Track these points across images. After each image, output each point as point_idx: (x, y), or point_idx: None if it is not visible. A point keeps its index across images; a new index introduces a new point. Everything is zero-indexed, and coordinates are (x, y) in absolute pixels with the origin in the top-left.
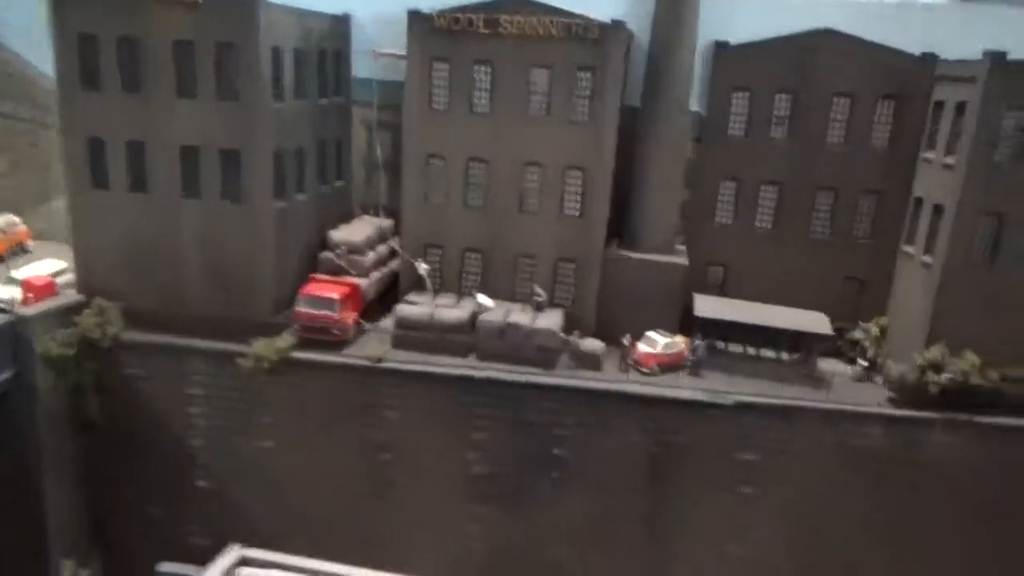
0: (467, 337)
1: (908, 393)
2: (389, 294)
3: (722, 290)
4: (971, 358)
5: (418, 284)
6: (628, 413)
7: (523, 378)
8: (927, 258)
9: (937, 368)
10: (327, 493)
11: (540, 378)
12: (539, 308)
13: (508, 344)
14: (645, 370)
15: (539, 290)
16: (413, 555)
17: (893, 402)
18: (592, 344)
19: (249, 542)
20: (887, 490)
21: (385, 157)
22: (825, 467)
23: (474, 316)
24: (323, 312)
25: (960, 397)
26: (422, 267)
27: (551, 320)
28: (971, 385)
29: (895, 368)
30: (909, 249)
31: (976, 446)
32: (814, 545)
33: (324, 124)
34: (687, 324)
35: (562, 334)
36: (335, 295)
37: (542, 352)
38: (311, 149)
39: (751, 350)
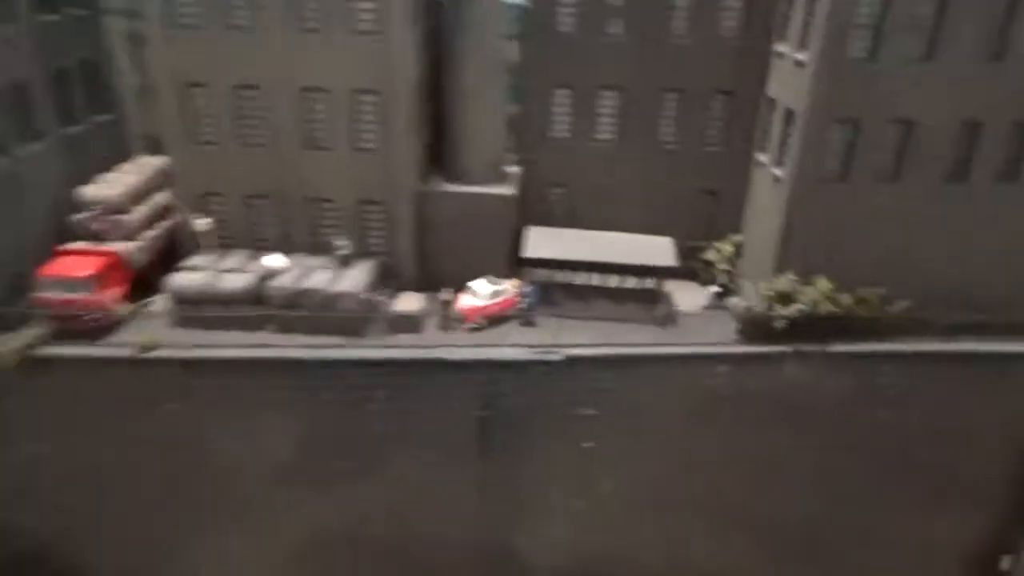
0: (258, 308)
1: (756, 327)
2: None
3: (565, 216)
4: (823, 285)
5: (197, 243)
6: (449, 379)
7: (318, 354)
8: (778, 170)
9: (786, 299)
10: (117, 501)
11: (336, 352)
12: (345, 262)
13: (305, 312)
14: (470, 326)
15: (342, 241)
16: (225, 550)
17: (743, 335)
18: (407, 303)
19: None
20: (740, 430)
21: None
22: (671, 413)
23: (260, 282)
24: (73, 294)
25: (811, 327)
26: (200, 222)
27: (358, 277)
28: (821, 315)
29: (743, 300)
30: (762, 158)
31: (830, 375)
32: (666, 494)
33: (58, 46)
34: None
35: (369, 295)
36: (87, 272)
37: (346, 319)
38: (39, 81)
39: (591, 289)
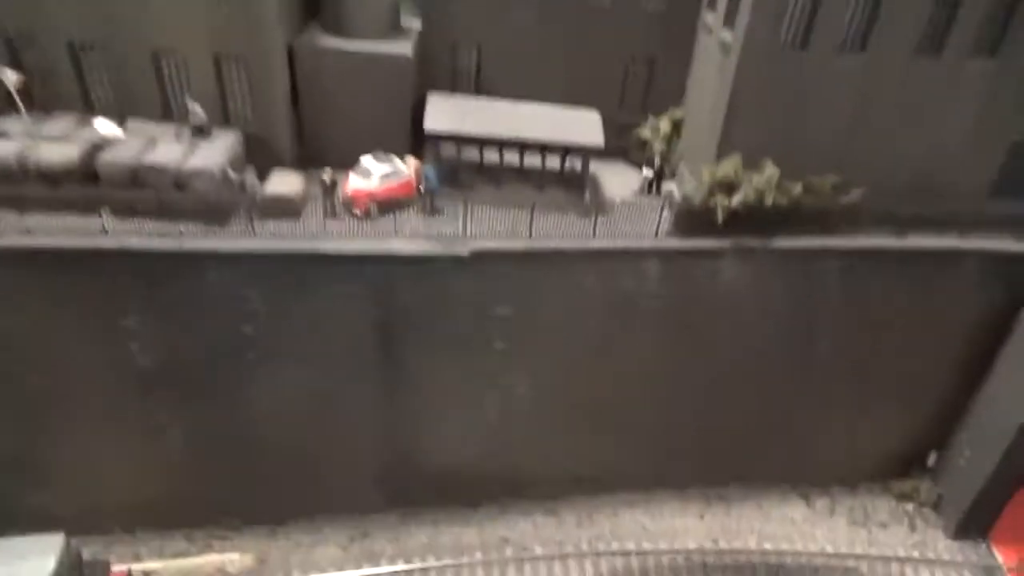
0: (89, 186)
1: (693, 219)
2: None
3: (475, 83)
4: (770, 171)
5: (8, 102)
6: (335, 274)
7: (167, 245)
8: (727, 34)
9: (728, 188)
10: None
11: (193, 243)
12: (200, 133)
13: (150, 193)
14: (358, 212)
15: (195, 106)
16: (85, 458)
17: (678, 227)
18: (282, 184)
19: None
20: (670, 333)
21: None
22: (595, 314)
23: (91, 153)
24: None
25: (754, 219)
26: (9, 75)
27: (216, 152)
28: (766, 207)
29: (680, 187)
30: (709, 19)
31: (771, 273)
32: (584, 400)
33: None
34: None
35: (232, 173)
36: None
37: (203, 203)
38: None
39: (506, 171)
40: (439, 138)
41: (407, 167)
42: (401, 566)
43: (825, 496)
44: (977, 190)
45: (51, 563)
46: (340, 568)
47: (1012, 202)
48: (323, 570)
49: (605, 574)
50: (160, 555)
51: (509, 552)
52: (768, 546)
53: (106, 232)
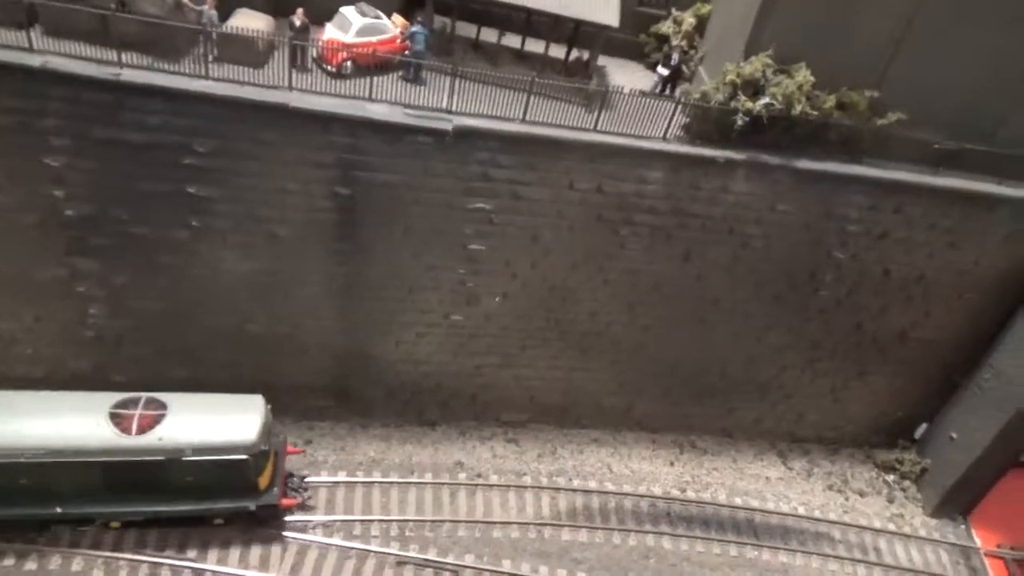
0: None
1: (709, 123)
2: None
3: None
4: (802, 76)
5: None
6: (297, 135)
7: (100, 72)
8: None
9: (753, 89)
10: None
11: (134, 75)
12: None
13: (89, 12)
14: (331, 67)
15: None
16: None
17: (690, 132)
18: (245, 20)
19: None
20: (664, 252)
21: None
22: (586, 220)
23: None
24: None
25: (777, 132)
26: None
27: None
28: (793, 117)
29: (699, 86)
30: None
31: (787, 197)
32: (560, 317)
33: None
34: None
35: (189, 1)
36: None
37: (149, 27)
38: None
39: (503, 50)
40: None
41: (391, 25)
42: (340, 476)
43: (804, 458)
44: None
45: (259, 420)
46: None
47: None
48: None
49: (562, 510)
50: None
51: (463, 476)
52: (739, 501)
53: (31, 48)
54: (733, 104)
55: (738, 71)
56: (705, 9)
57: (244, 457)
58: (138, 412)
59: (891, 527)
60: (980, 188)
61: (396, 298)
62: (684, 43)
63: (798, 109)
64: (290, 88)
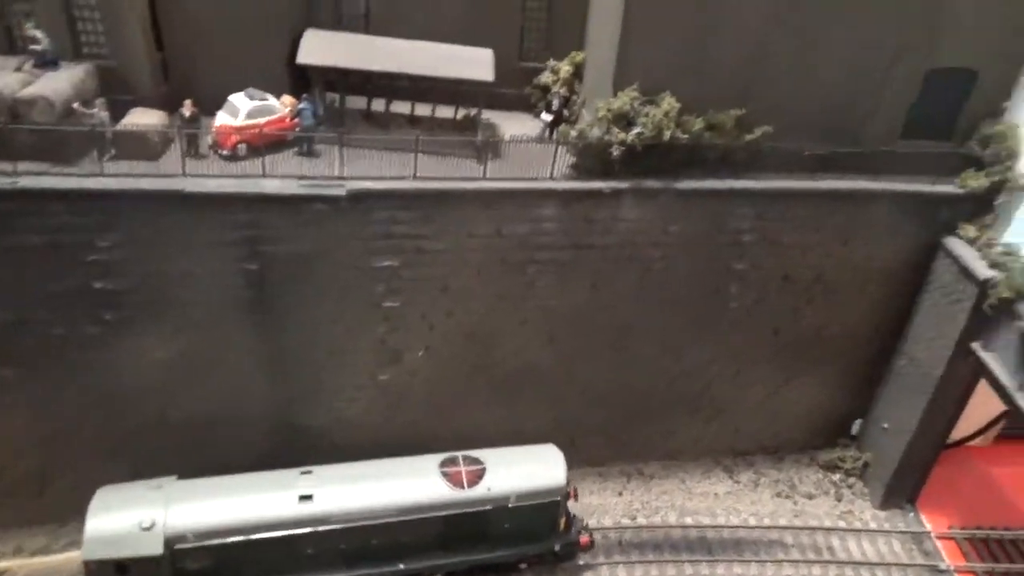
0: None
1: (591, 158)
2: None
3: (365, 26)
4: (668, 104)
5: None
6: (199, 220)
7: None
8: None
9: (625, 122)
10: None
11: (29, 181)
12: (45, 64)
13: None
14: (225, 151)
15: (38, 34)
16: None
17: (575, 168)
18: (139, 117)
19: None
20: (571, 282)
21: None
22: (490, 263)
23: None
24: None
25: (655, 159)
26: None
27: (59, 83)
28: (665, 142)
29: (579, 125)
30: None
31: (676, 217)
32: (483, 360)
33: None
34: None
35: (79, 106)
36: None
37: (44, 135)
38: None
39: (393, 116)
40: (316, 72)
41: (280, 105)
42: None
43: (749, 469)
44: (890, 129)
45: (563, 465)
46: None
47: (924, 142)
48: None
49: None
50: (16, 553)
51: None
52: (689, 520)
53: None
54: (607, 138)
55: (608, 106)
56: (579, 57)
57: (557, 499)
58: (463, 468)
59: (841, 524)
60: (855, 186)
61: (321, 364)
62: (564, 90)
63: (667, 135)
64: (184, 175)
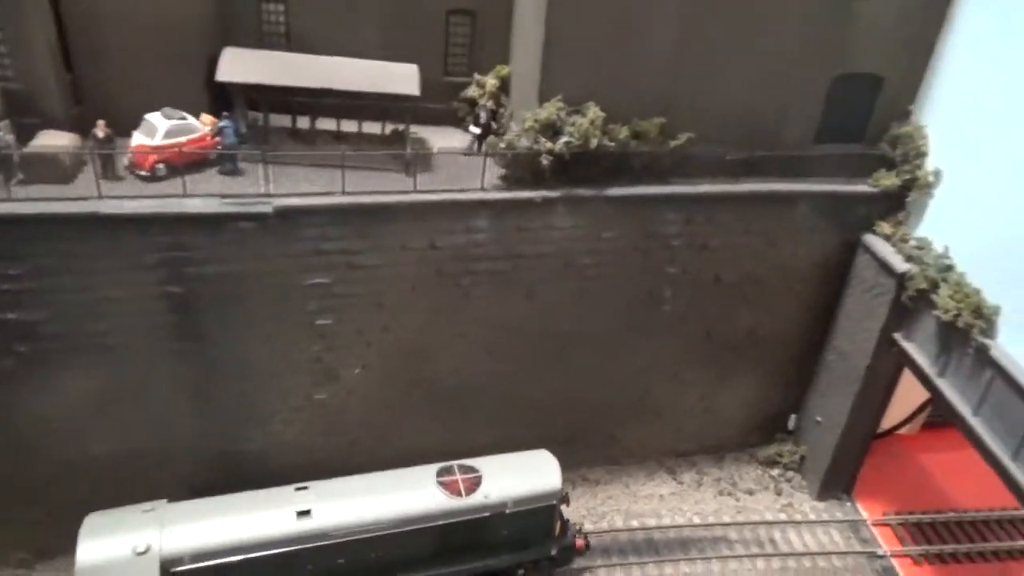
0: None
1: (520, 168)
2: None
3: (287, 41)
4: (593, 113)
5: None
6: (118, 244)
7: None
8: None
9: (552, 131)
10: None
11: None
12: None
13: None
14: (144, 172)
15: None
16: None
17: (505, 179)
18: (48, 139)
19: None
20: (505, 293)
21: None
22: (424, 279)
23: None
24: None
25: (585, 167)
26: None
27: None
28: (592, 150)
29: (508, 136)
30: None
31: (608, 224)
32: (422, 375)
33: None
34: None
35: None
36: None
37: None
38: None
39: (319, 133)
40: (239, 89)
41: (199, 124)
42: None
43: (692, 469)
44: (804, 133)
45: (558, 469)
46: None
47: (839, 145)
48: None
49: None
50: None
51: None
52: (635, 523)
53: None
54: (535, 147)
55: (535, 117)
56: (505, 71)
57: (553, 503)
58: (459, 477)
59: (782, 517)
60: (776, 188)
61: (254, 387)
62: (491, 103)
63: (595, 143)
64: (100, 197)
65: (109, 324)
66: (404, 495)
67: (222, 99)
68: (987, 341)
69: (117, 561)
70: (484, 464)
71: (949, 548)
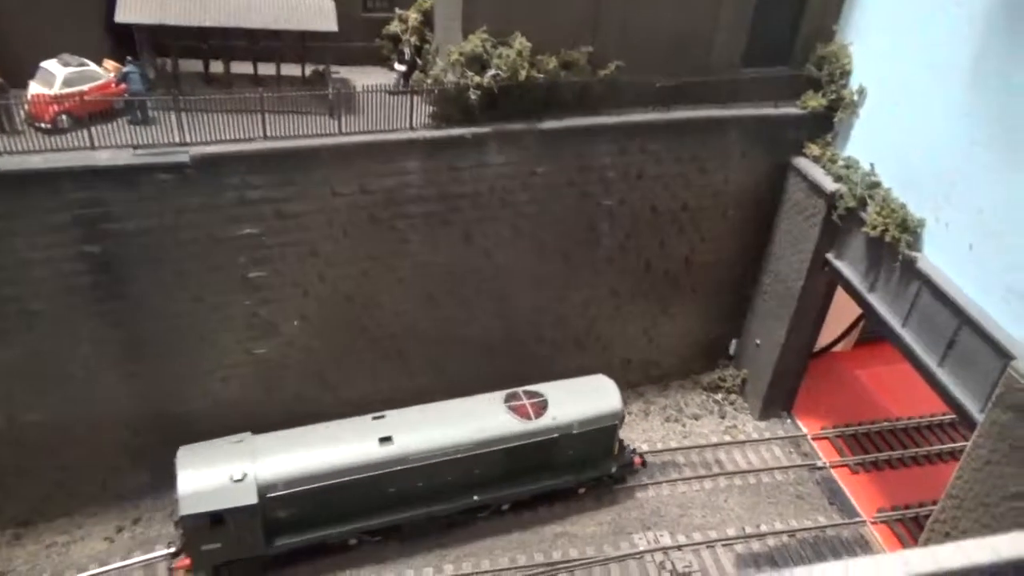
0: None
1: (449, 105)
2: None
3: None
4: (520, 44)
5: None
6: (25, 202)
7: None
8: None
9: (479, 65)
10: None
11: None
12: None
13: None
14: (45, 124)
15: None
16: None
17: (434, 117)
18: None
19: None
20: (444, 238)
21: None
22: (357, 224)
23: None
24: None
25: (515, 101)
26: None
27: None
28: (521, 82)
29: (433, 72)
30: None
31: (542, 158)
32: (361, 323)
33: None
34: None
35: None
36: None
37: None
38: None
39: (236, 77)
40: (140, 32)
41: (102, 70)
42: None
43: (639, 399)
44: (731, 57)
45: (618, 390)
46: (105, 563)
47: (765, 68)
48: (84, 569)
49: None
50: None
51: None
52: None
53: None
54: (463, 82)
55: (460, 50)
56: (427, 3)
57: (615, 424)
58: (527, 402)
59: (727, 439)
60: (706, 115)
61: (188, 347)
62: (415, 39)
63: (523, 75)
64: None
65: (27, 289)
66: (477, 420)
67: (126, 43)
68: (914, 254)
69: (217, 488)
70: (548, 389)
71: (884, 455)
